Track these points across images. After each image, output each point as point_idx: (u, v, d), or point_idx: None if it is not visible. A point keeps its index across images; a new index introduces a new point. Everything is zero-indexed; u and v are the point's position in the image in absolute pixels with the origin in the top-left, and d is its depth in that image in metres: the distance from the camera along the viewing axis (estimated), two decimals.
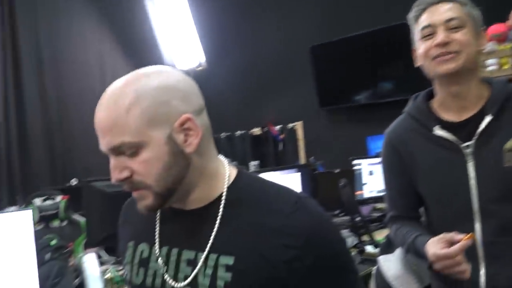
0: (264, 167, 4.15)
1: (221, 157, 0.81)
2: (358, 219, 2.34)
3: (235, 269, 0.69)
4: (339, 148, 4.16)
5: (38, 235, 1.42)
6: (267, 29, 5.08)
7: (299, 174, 2.26)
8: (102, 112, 0.70)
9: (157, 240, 0.79)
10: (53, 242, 1.51)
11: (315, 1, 4.67)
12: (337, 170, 2.80)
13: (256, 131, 5.14)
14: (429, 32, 1.13)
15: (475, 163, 1.10)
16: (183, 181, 0.73)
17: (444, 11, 1.12)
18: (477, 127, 1.11)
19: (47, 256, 1.45)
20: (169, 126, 0.70)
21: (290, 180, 2.22)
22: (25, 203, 2.12)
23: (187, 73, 3.84)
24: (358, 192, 2.85)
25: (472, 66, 1.13)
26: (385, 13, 4.03)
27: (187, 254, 0.74)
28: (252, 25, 5.18)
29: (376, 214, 2.88)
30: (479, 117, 1.12)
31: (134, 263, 0.81)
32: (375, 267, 1.36)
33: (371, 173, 3.02)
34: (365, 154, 3.76)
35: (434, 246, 1.02)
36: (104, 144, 0.71)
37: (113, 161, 0.71)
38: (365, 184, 2.98)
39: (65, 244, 1.63)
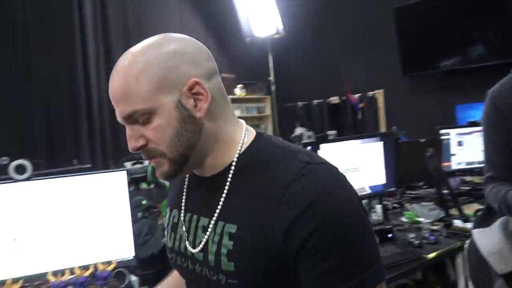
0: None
1: (242, 122, 0.78)
2: (445, 191, 2.20)
3: (236, 237, 0.68)
4: (424, 117, 3.93)
5: (129, 196, 1.51)
6: None
7: (381, 143, 2.16)
8: (115, 82, 0.69)
9: (183, 207, 0.80)
10: (144, 202, 1.60)
11: None
12: (422, 140, 2.64)
13: (334, 99, 5.01)
14: None
15: None
16: (195, 146, 0.71)
17: None
18: None
19: (139, 214, 1.55)
20: (178, 91, 0.68)
21: (371, 149, 2.13)
22: (117, 167, 2.28)
23: (265, 40, 3.84)
24: (445, 164, 2.67)
25: None
26: None
27: (203, 221, 0.75)
28: None
29: (465, 188, 2.70)
30: None
31: (168, 228, 0.84)
32: (467, 241, 1.28)
33: (460, 143, 2.82)
34: (453, 124, 3.52)
35: None
36: (118, 114, 0.70)
37: (128, 130, 0.71)
38: (453, 155, 2.79)
39: (154, 204, 1.73)
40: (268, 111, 5.70)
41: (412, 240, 1.93)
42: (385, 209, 2.23)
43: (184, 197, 0.81)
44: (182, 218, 0.80)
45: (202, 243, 0.73)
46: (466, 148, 2.81)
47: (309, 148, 1.97)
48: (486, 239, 1.15)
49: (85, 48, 4.15)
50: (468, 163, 2.77)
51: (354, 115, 4.79)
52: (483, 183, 1.32)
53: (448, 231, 2.02)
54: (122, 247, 1.41)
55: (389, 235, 1.99)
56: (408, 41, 4.30)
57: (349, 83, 4.80)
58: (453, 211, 2.17)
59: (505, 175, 1.23)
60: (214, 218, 0.72)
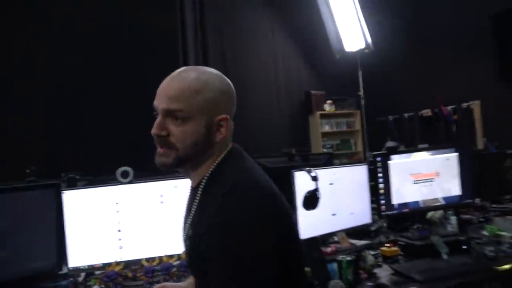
0: None
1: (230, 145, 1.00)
2: None
3: (189, 239, 0.92)
4: None
5: None
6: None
7: (455, 154, 2.15)
8: (176, 83, 0.92)
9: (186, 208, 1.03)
10: None
11: None
12: (508, 151, 2.53)
13: (426, 112, 4.88)
14: None
15: None
16: (199, 157, 0.94)
17: None
18: None
19: None
20: (213, 117, 0.93)
21: (445, 161, 2.14)
22: None
23: (354, 55, 3.94)
24: None
25: None
26: None
27: (188, 220, 0.98)
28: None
29: None
30: None
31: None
32: None
33: None
34: None
35: None
36: (164, 103, 0.91)
37: (159, 119, 0.92)
38: None
39: None
40: (358, 126, 5.73)
41: (487, 252, 1.91)
42: (461, 221, 2.20)
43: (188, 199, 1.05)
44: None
45: (186, 235, 0.98)
46: None
47: (378, 159, 2.06)
48: None
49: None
50: None
51: (447, 127, 4.61)
52: None
53: None
54: None
55: (463, 247, 1.98)
56: (508, 47, 4.06)
57: (442, 95, 4.65)
58: None
59: None
60: (188, 222, 0.97)
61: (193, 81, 0.92)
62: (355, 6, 5.17)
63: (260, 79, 5.24)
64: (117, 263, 1.55)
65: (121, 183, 1.59)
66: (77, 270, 1.55)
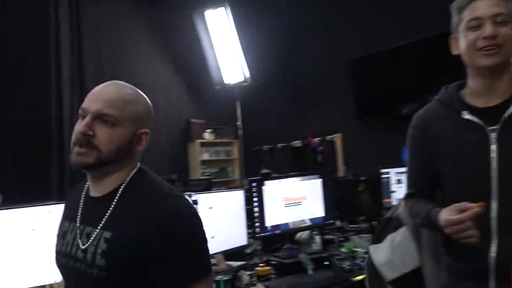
0: None
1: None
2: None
3: (111, 240, 0.96)
4: (377, 158, 4.25)
5: None
6: (307, 44, 5.32)
7: (320, 180, 2.44)
8: (112, 91, 1.02)
9: (78, 219, 1.05)
10: None
11: (354, 15, 4.83)
12: (363, 178, 2.94)
13: (297, 143, 5.34)
14: (476, 24, 1.19)
15: (498, 145, 1.18)
16: (117, 162, 1.01)
17: (491, 6, 1.18)
18: (503, 113, 1.19)
19: None
20: (136, 128, 1.03)
21: (311, 186, 2.41)
22: None
23: (233, 87, 4.17)
24: (385, 200, 2.96)
25: (508, 59, 1.21)
26: (430, 22, 4.08)
27: (87, 229, 1.01)
28: (293, 42, 5.44)
29: None
30: (505, 105, 1.20)
31: (59, 236, 1.09)
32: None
33: (399, 181, 3.12)
34: (400, 163, 3.83)
35: (447, 213, 1.13)
36: (97, 105, 0.98)
37: (88, 120, 0.98)
38: (393, 192, 3.09)
39: None
40: (236, 154, 5.99)
41: (345, 266, 2.18)
42: (324, 240, 2.47)
43: (79, 211, 1.06)
44: (73, 227, 1.05)
45: (84, 246, 0.99)
46: (404, 185, 3.12)
47: (254, 184, 2.23)
48: (379, 252, 1.39)
49: (60, 88, 4.41)
50: None
51: (315, 157, 5.10)
52: (403, 198, 1.40)
53: None
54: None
55: (326, 263, 2.23)
56: (363, 88, 4.70)
57: (310, 128, 5.15)
58: None
59: (425, 193, 1.32)
60: (98, 227, 0.99)
61: (127, 93, 1.03)
62: (236, 41, 5.52)
63: None
64: None
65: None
66: None
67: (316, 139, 5.11)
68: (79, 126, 0.99)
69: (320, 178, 2.45)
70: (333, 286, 1.97)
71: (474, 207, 1.09)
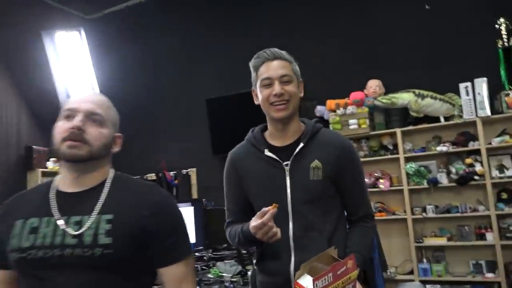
0: None
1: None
2: (244, 252, 2.67)
3: (114, 221, 1.09)
4: None
5: None
6: (165, 78, 5.45)
7: (192, 208, 2.56)
8: (96, 95, 1.22)
9: (54, 214, 1.12)
10: None
11: (211, 57, 5.18)
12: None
13: (152, 176, 5.31)
14: (268, 83, 1.48)
15: (290, 176, 1.46)
16: (100, 159, 1.17)
17: (279, 68, 1.47)
18: (294, 151, 1.47)
19: None
20: (115, 131, 1.22)
21: (185, 213, 2.50)
22: None
23: None
24: None
25: (295, 110, 1.50)
26: None
27: (75, 218, 1.10)
28: (150, 74, 5.52)
29: None
30: (295, 144, 1.49)
31: (24, 233, 1.10)
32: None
33: None
34: None
35: (252, 223, 1.35)
36: (87, 106, 1.14)
37: (81, 117, 1.12)
38: None
39: None
40: None
41: None
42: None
43: (52, 207, 1.11)
44: (48, 221, 1.11)
45: (77, 232, 1.06)
46: None
47: None
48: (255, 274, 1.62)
49: None
50: None
51: (169, 190, 5.13)
52: (225, 227, 1.61)
53: (244, 280, 2.46)
54: None
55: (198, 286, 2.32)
56: (218, 126, 5.01)
57: (165, 161, 5.20)
58: (250, 266, 2.64)
59: (241, 219, 1.52)
60: (93, 213, 1.10)
61: (107, 100, 1.23)
62: (89, 66, 5.31)
63: None
64: None
65: None
66: None
67: (172, 173, 5.18)
68: (70, 123, 1.11)
69: (192, 205, 2.57)
70: None
71: (269, 210, 1.34)
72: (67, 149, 1.10)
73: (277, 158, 1.48)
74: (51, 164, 5.28)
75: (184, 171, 5.19)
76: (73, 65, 5.36)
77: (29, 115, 5.27)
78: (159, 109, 5.44)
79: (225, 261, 2.84)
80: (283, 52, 1.53)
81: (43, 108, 5.35)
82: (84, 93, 1.21)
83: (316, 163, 1.46)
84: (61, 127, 1.13)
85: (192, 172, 5.20)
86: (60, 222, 1.09)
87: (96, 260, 1.04)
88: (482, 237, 3.76)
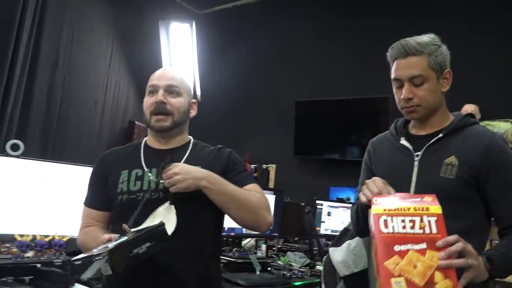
0: None
1: None
2: (314, 247, 2.82)
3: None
4: (305, 193, 4.70)
5: None
6: (257, 78, 5.76)
7: (273, 196, 2.77)
8: (172, 71, 1.47)
9: (145, 166, 1.37)
10: None
11: (305, 62, 5.38)
12: (303, 204, 3.31)
13: None
14: (398, 84, 1.35)
15: (418, 169, 1.35)
16: (183, 125, 1.42)
17: (409, 67, 1.30)
18: (429, 141, 1.36)
19: None
20: (190, 98, 1.46)
21: None
22: None
23: None
24: (316, 228, 3.35)
25: (434, 108, 1.35)
26: (363, 85, 4.77)
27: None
28: (245, 74, 5.86)
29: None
30: (434, 135, 1.36)
31: (131, 179, 1.35)
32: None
33: (329, 214, 3.56)
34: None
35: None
36: (165, 82, 1.37)
37: (161, 92, 1.35)
38: (323, 222, 3.51)
39: None
40: None
41: (285, 273, 2.50)
42: (267, 248, 2.78)
43: (143, 161, 1.38)
44: (142, 172, 1.36)
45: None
46: (333, 218, 3.56)
47: None
48: (337, 253, 1.73)
49: (12, 70, 4.29)
50: (333, 231, 3.49)
51: None
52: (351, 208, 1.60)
53: (312, 271, 2.63)
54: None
55: (269, 268, 2.53)
56: (303, 128, 5.19)
57: (248, 154, 5.50)
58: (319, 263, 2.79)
59: None
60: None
61: (180, 73, 1.45)
62: (194, 58, 5.78)
63: (87, 100, 5.18)
64: None
65: (9, 156, 1.56)
66: None
67: (253, 166, 5.46)
68: (154, 98, 1.36)
69: (274, 194, 2.79)
70: (277, 286, 2.27)
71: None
72: (156, 122, 1.35)
73: (409, 147, 1.38)
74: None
75: (264, 166, 5.45)
76: (180, 54, 5.86)
77: (136, 94, 5.86)
78: (249, 105, 5.76)
79: (296, 252, 3.02)
80: (422, 41, 1.33)
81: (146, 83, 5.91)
82: (162, 70, 1.44)
83: (451, 159, 1.30)
84: (147, 102, 1.38)
85: (272, 168, 5.44)
86: (150, 173, 1.36)
87: (193, 200, 1.30)
88: None
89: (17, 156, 1.57)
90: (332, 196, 4.55)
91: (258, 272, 2.37)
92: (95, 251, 1.08)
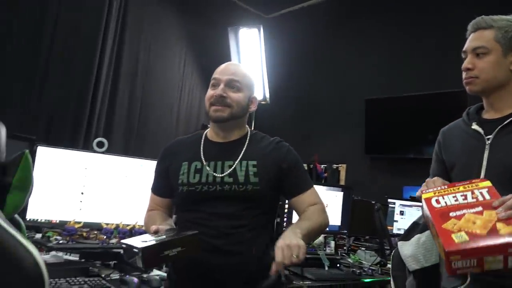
0: None
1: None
2: (386, 246, 2.76)
3: (258, 166, 1.39)
4: (377, 192, 4.59)
5: None
6: (325, 78, 5.73)
7: (342, 193, 2.76)
8: (235, 66, 1.50)
9: (204, 159, 1.43)
10: None
11: (371, 59, 5.27)
12: (373, 202, 3.26)
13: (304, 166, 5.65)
14: (465, 56, 1.36)
15: (489, 151, 1.32)
16: (241, 117, 1.47)
17: (475, 39, 1.31)
18: (500, 125, 1.32)
19: None
20: (250, 94, 1.48)
21: (333, 196, 2.73)
22: None
23: None
24: (388, 227, 3.27)
25: (496, 84, 1.32)
26: (438, 79, 4.55)
27: (228, 163, 1.40)
28: (314, 75, 5.85)
29: None
30: (507, 118, 1.31)
31: (191, 172, 1.40)
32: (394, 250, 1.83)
33: (402, 213, 3.46)
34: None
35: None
36: (227, 76, 1.42)
37: (222, 86, 1.41)
38: (395, 221, 3.42)
39: None
40: None
41: (354, 270, 2.49)
42: (336, 245, 2.78)
43: (202, 154, 1.44)
44: (200, 165, 1.42)
45: (230, 172, 1.38)
46: (406, 217, 3.45)
47: None
48: (406, 247, 1.70)
49: (98, 80, 4.70)
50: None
51: (318, 181, 5.42)
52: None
53: (382, 269, 2.58)
54: None
55: (338, 265, 2.53)
56: (374, 127, 5.08)
57: (318, 154, 5.49)
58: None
59: None
60: (238, 159, 1.41)
61: (243, 69, 1.50)
62: (263, 62, 5.90)
63: (163, 105, 5.51)
64: (76, 222, 1.68)
65: (95, 152, 1.75)
66: (35, 222, 1.64)
67: (322, 166, 5.44)
68: (215, 91, 1.42)
69: (342, 191, 2.78)
70: (346, 282, 2.27)
71: None
72: (213, 112, 1.40)
73: (480, 131, 1.36)
74: None
75: (334, 166, 5.41)
76: (249, 59, 6.01)
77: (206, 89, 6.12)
78: (318, 105, 5.75)
79: (366, 251, 2.98)
80: (497, 17, 1.33)
81: None
82: (226, 64, 1.49)
83: None
84: (208, 94, 1.45)
85: (342, 167, 5.38)
86: (209, 166, 1.41)
87: (248, 194, 1.34)
88: None
89: (102, 153, 1.75)
90: (406, 195, 4.40)
91: (326, 268, 2.38)
92: (141, 239, 1.16)
